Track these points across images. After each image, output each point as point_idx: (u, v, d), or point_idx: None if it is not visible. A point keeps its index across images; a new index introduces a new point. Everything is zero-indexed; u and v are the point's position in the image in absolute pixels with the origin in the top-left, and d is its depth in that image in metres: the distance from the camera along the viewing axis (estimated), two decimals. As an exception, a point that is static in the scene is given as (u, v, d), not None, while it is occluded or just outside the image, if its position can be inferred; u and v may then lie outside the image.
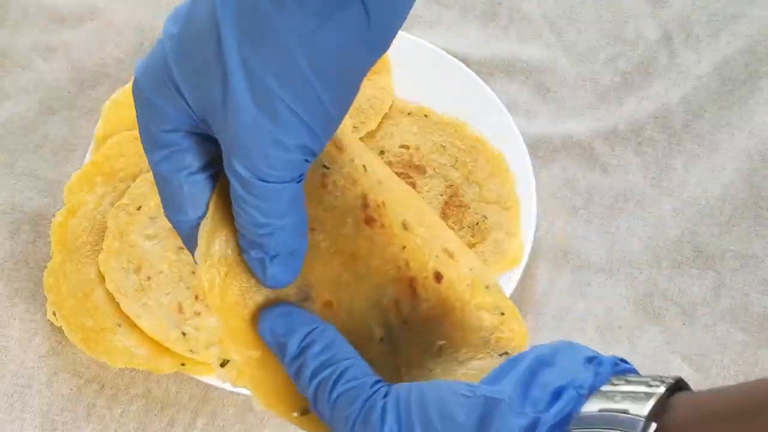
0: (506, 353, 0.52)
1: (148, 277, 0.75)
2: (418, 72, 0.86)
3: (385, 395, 0.46)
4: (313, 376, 0.48)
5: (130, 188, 0.78)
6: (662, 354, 0.77)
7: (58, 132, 0.86)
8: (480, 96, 0.85)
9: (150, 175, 0.79)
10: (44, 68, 0.89)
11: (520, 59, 0.91)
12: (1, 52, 0.90)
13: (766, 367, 0.76)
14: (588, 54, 0.92)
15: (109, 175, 0.79)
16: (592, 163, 0.86)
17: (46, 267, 0.76)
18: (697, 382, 0.75)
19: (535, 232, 0.80)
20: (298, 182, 0.48)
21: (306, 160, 0.48)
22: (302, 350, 0.48)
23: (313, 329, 0.49)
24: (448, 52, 0.87)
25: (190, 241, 0.51)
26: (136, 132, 0.80)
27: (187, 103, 0.48)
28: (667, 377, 0.44)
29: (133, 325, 0.74)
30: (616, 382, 0.44)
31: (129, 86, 0.83)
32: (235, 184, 0.48)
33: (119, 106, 0.82)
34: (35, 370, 0.75)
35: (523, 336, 0.54)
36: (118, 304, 0.74)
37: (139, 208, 0.77)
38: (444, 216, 0.80)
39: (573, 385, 0.44)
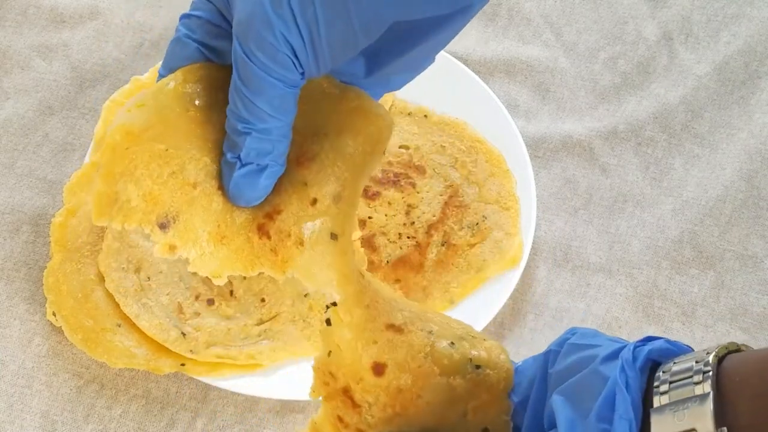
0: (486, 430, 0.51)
1: (148, 277, 0.75)
2: (418, 72, 0.85)
3: None
4: None
5: (129, 188, 0.78)
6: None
7: (58, 132, 0.86)
8: (480, 96, 0.85)
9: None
10: (44, 68, 0.89)
11: (520, 59, 0.91)
12: (1, 52, 0.90)
13: (766, 367, 0.76)
14: (588, 54, 0.92)
15: (109, 176, 0.79)
16: (592, 163, 0.86)
17: (46, 267, 0.76)
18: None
19: (535, 232, 0.80)
20: (287, 87, 0.50)
21: (293, 64, 0.50)
22: None
23: None
24: (448, 52, 0.87)
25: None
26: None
27: None
28: (704, 358, 0.45)
29: (133, 325, 0.74)
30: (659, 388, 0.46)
31: (129, 86, 0.83)
32: (234, 70, 0.50)
33: (119, 106, 0.82)
34: (35, 371, 0.75)
35: (509, 376, 0.52)
36: (117, 304, 0.74)
37: (138, 209, 0.77)
38: (444, 216, 0.80)
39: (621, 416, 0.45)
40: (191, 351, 0.73)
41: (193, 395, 0.75)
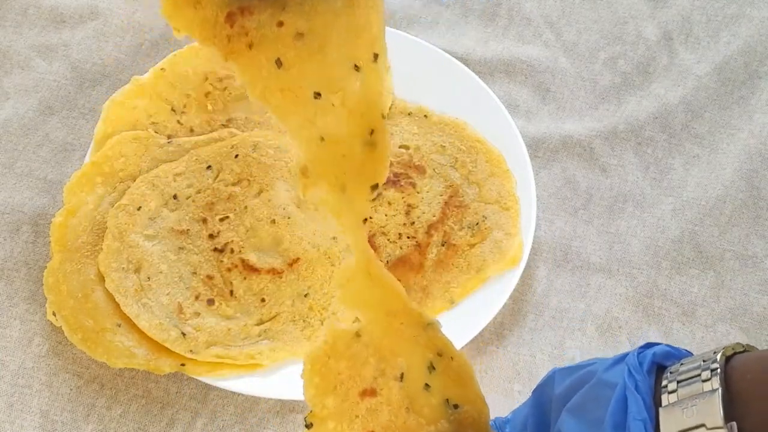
0: None
1: (148, 277, 0.75)
2: (418, 72, 0.85)
3: None
4: None
5: (129, 188, 0.78)
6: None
7: (57, 132, 0.86)
8: (480, 96, 0.85)
9: (149, 176, 0.79)
10: (44, 68, 0.89)
11: (520, 59, 0.91)
12: (1, 52, 0.90)
13: (766, 367, 0.76)
14: (588, 54, 0.92)
15: (108, 176, 0.79)
16: (592, 163, 0.86)
17: (45, 267, 0.76)
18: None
19: (535, 232, 0.80)
20: None
21: None
22: None
23: None
24: (448, 52, 0.87)
25: None
26: (136, 132, 0.81)
27: None
28: (710, 358, 0.45)
29: (133, 325, 0.74)
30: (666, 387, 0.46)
31: (129, 86, 0.83)
32: None
33: (119, 106, 0.82)
34: (35, 371, 0.75)
35: (484, 404, 0.55)
36: (117, 304, 0.74)
37: (138, 209, 0.77)
38: (444, 216, 0.80)
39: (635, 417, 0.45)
40: (191, 351, 0.73)
41: (193, 395, 0.75)
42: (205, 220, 0.77)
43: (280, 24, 0.54)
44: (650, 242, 0.82)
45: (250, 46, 0.54)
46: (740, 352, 0.46)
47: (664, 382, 0.46)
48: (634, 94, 0.89)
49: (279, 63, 0.54)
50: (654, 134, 0.87)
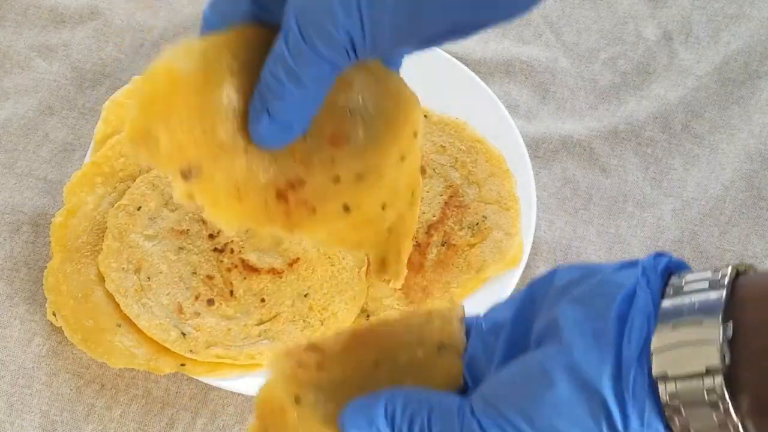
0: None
1: (148, 278, 0.75)
2: (418, 72, 0.85)
3: (472, 411, 0.47)
4: None
5: (129, 189, 0.78)
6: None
7: (57, 132, 0.86)
8: (480, 96, 0.85)
9: (149, 176, 0.79)
10: (44, 68, 0.89)
11: (520, 59, 0.91)
12: (1, 52, 0.90)
13: (766, 367, 0.76)
14: (588, 54, 0.92)
15: (108, 176, 0.79)
16: (592, 163, 0.86)
17: (46, 267, 0.76)
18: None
19: (535, 232, 0.80)
20: (330, 71, 0.50)
21: (347, 52, 0.49)
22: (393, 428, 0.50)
23: (385, 404, 0.50)
24: (448, 52, 0.87)
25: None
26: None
27: None
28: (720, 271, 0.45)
29: (133, 326, 0.74)
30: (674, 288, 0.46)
31: (129, 86, 0.83)
32: (281, 34, 0.50)
33: (119, 106, 0.82)
34: (35, 371, 0.75)
35: (455, 304, 0.55)
36: (117, 305, 0.74)
37: (138, 209, 0.77)
38: (444, 216, 0.80)
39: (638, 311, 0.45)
40: (191, 351, 0.73)
41: (193, 395, 0.75)
42: (204, 220, 0.77)
43: (338, 179, 0.53)
44: (650, 242, 0.82)
45: (314, 210, 0.53)
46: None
47: (668, 289, 0.46)
48: (634, 94, 0.89)
49: (347, 208, 0.53)
50: (654, 134, 0.87)
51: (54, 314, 0.74)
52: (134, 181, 0.79)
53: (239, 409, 0.74)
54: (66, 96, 0.88)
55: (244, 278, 0.76)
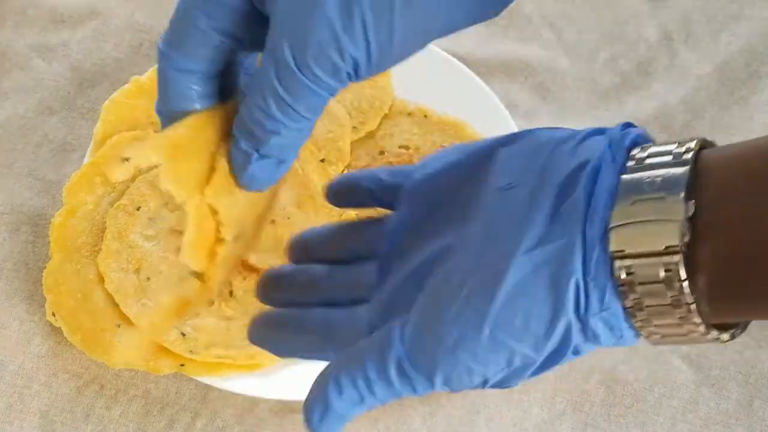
0: None
1: (148, 278, 0.75)
2: (418, 72, 0.85)
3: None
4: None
5: (129, 189, 0.78)
6: (662, 354, 0.77)
7: (57, 132, 0.86)
8: (480, 96, 0.85)
9: (149, 176, 0.79)
10: (44, 68, 0.89)
11: (520, 59, 0.91)
12: (1, 52, 0.89)
13: (766, 366, 0.76)
14: (588, 54, 0.91)
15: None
16: (592, 164, 0.86)
17: (45, 267, 0.76)
18: (697, 383, 0.75)
19: (535, 232, 0.80)
20: (328, 97, 0.48)
21: (348, 75, 0.48)
22: None
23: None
24: (448, 52, 0.87)
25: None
26: (136, 132, 0.81)
27: None
28: (686, 143, 0.45)
29: (133, 325, 0.74)
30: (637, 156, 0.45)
31: (128, 86, 0.83)
32: (268, 68, 0.47)
33: (118, 106, 0.82)
34: (35, 371, 0.75)
35: None
36: (117, 305, 0.74)
37: (138, 209, 0.77)
38: (444, 216, 0.80)
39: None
40: (191, 351, 0.73)
41: (193, 395, 0.75)
42: (204, 221, 0.77)
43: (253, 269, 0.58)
44: (650, 242, 0.82)
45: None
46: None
47: (630, 162, 0.45)
48: (634, 94, 0.89)
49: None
50: (654, 134, 0.87)
51: (53, 314, 0.74)
52: (133, 181, 0.79)
53: (239, 409, 0.74)
54: (65, 96, 0.88)
55: (244, 278, 0.76)
